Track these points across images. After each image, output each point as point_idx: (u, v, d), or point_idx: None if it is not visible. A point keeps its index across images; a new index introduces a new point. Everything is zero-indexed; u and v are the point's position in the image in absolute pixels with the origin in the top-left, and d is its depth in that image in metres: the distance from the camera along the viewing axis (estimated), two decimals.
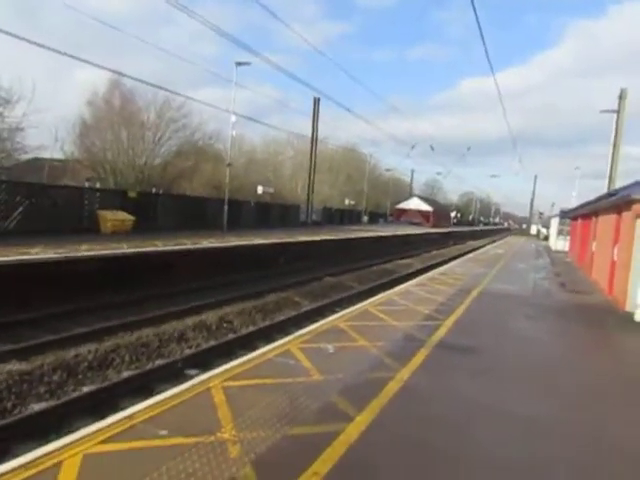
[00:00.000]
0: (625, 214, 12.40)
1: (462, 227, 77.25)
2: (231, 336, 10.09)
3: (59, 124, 31.53)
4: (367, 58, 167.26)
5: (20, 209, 15.38)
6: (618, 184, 22.83)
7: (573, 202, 40.87)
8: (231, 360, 6.44)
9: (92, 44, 52.51)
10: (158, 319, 10.59)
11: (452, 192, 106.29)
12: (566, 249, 35.29)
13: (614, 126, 25.36)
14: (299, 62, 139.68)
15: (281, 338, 7.55)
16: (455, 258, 27.65)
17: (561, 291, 14.48)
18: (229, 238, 19.74)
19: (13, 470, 3.17)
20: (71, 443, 3.58)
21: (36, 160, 28.50)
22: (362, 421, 4.32)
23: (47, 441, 3.96)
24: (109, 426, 3.86)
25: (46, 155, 29.19)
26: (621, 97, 25.22)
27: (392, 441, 4.04)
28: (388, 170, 62.33)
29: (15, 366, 7.23)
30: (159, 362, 8.30)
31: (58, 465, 3.28)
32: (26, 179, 21.45)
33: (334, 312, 11.88)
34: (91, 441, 3.63)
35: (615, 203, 13.91)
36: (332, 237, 25.86)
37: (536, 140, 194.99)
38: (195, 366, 8.25)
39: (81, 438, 3.67)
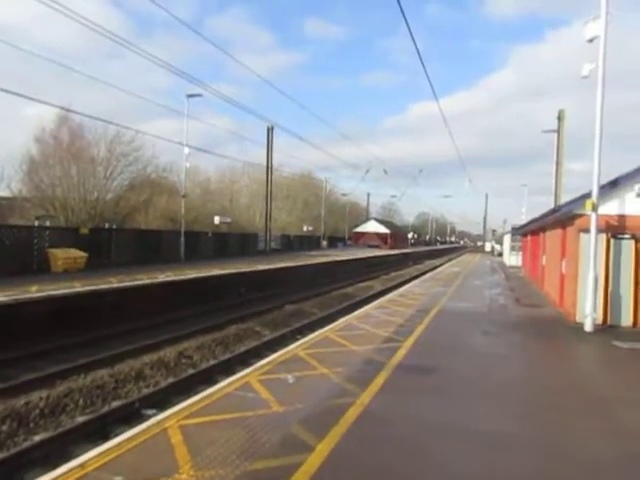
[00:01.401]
0: (569, 228, 13.06)
1: (419, 247, 78.94)
2: (190, 371, 9.86)
3: (5, 162, 30.52)
4: (322, 86, 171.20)
5: None
6: (563, 199, 24.12)
7: (523, 218, 42.65)
8: (189, 397, 6.31)
9: (39, 80, 51.39)
10: (114, 358, 10.25)
11: (408, 214, 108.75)
12: (519, 264, 36.62)
13: (555, 144, 26.91)
14: (253, 92, 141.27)
15: (242, 370, 7.46)
16: (414, 278, 28.16)
17: (516, 306, 14.98)
18: (187, 270, 19.42)
19: None
20: None
21: None
22: (323, 450, 4.32)
23: None
24: (60, 476, 3.70)
25: None
26: (559, 118, 26.86)
27: (354, 468, 4.06)
28: (344, 195, 63.29)
29: None
30: (115, 404, 8.00)
31: None
32: None
33: (295, 340, 11.88)
34: None
35: (559, 218, 14.64)
36: (291, 264, 25.86)
37: (485, 160, 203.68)
38: (153, 405, 8.00)
39: None
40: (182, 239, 24.98)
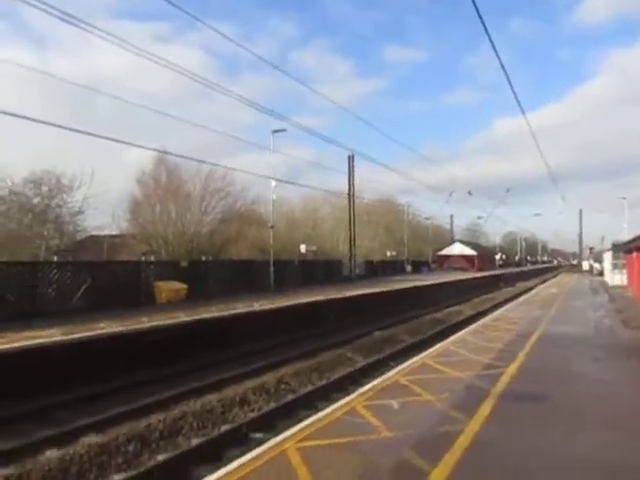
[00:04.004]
0: None
1: (509, 268, 75.19)
2: (290, 397, 10.19)
3: (115, 203, 33.91)
4: (402, 110, 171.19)
5: (84, 287, 16.38)
6: None
7: (625, 233, 39.46)
8: (293, 421, 6.60)
9: (136, 125, 56.67)
10: (220, 384, 10.88)
11: (494, 234, 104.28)
12: (624, 283, 33.77)
13: None
14: (334, 121, 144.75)
15: (340, 397, 7.64)
16: (507, 301, 26.96)
17: (625, 329, 13.88)
18: (278, 299, 20.12)
19: None
20: None
21: (94, 237, 30.56)
22: (438, 476, 4.36)
23: None
24: None
25: (104, 232, 31.42)
26: None
27: None
28: (427, 218, 62.40)
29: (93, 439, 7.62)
30: (225, 427, 8.47)
31: None
32: (86, 257, 22.87)
33: (388, 366, 11.87)
34: None
35: None
36: (377, 290, 25.84)
37: (579, 174, 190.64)
38: (259, 429, 8.38)
39: None
40: (271, 268, 25.95)
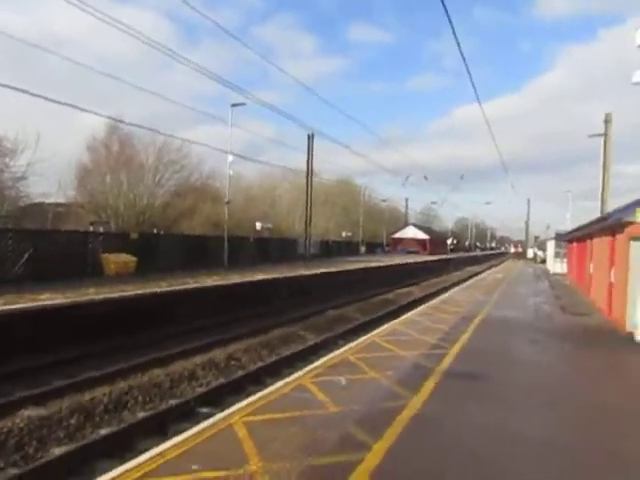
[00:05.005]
0: (619, 236, 12.77)
1: (459, 253, 77.69)
2: (240, 373, 10.22)
3: (63, 169, 32.20)
4: (364, 92, 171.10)
5: (26, 255, 15.65)
6: (612, 202, 23.37)
7: (567, 224, 41.46)
8: (242, 397, 6.64)
9: (90, 91, 53.92)
10: (169, 358, 10.76)
11: (447, 219, 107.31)
12: (564, 271, 35.62)
13: (602, 149, 26.10)
14: (295, 98, 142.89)
15: (289, 373, 7.74)
16: (455, 285, 27.91)
17: (562, 314, 14.71)
18: (231, 275, 19.98)
19: None
20: None
21: (38, 205, 29.04)
22: (380, 449, 4.53)
23: None
24: (144, 462, 4.06)
25: (50, 200, 29.87)
26: (607, 121, 26.02)
27: (410, 469, 4.24)
28: (384, 200, 63.19)
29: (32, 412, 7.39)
30: (172, 402, 8.41)
31: None
32: (31, 225, 21.79)
33: (338, 345, 12.10)
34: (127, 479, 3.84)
35: (609, 226, 14.30)
36: (332, 269, 26.12)
37: (529, 164, 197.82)
38: (206, 404, 8.39)
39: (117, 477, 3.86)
40: (226, 244, 25.66)
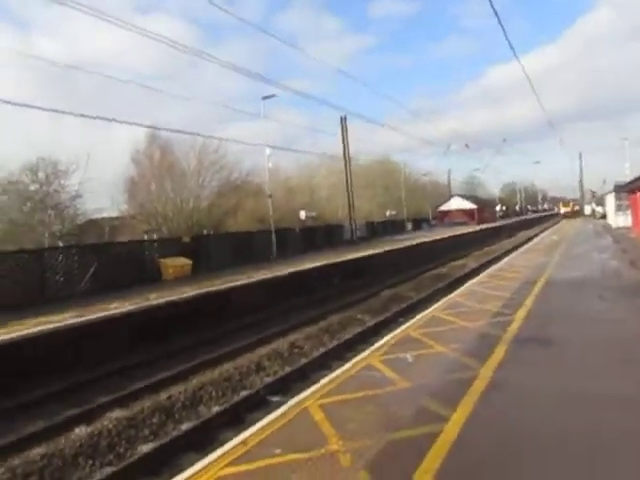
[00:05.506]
0: None
1: (510, 219, 75.23)
2: (304, 360, 10.37)
3: (111, 182, 33.79)
4: (392, 66, 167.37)
5: (92, 270, 16.48)
6: None
7: (627, 174, 39.16)
8: (309, 384, 6.74)
9: (124, 104, 55.66)
10: (235, 352, 11.08)
11: (493, 186, 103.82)
12: (628, 224, 33.78)
13: None
14: (324, 82, 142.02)
15: (354, 355, 7.76)
16: (510, 252, 27.09)
17: (632, 269, 13.95)
18: (280, 267, 20.17)
19: None
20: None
21: (95, 221, 30.58)
22: (458, 419, 4.48)
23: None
24: (227, 452, 4.21)
25: (104, 215, 31.50)
26: None
27: (491, 437, 4.18)
28: (424, 175, 61.98)
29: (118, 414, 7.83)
30: (243, 393, 8.66)
31: None
32: (90, 240, 22.89)
33: (398, 323, 12.03)
34: (215, 467, 3.99)
35: None
36: (379, 250, 25.91)
37: (577, 117, 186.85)
38: (276, 393, 8.57)
39: (204, 467, 4.02)
40: (273, 237, 26.01)
